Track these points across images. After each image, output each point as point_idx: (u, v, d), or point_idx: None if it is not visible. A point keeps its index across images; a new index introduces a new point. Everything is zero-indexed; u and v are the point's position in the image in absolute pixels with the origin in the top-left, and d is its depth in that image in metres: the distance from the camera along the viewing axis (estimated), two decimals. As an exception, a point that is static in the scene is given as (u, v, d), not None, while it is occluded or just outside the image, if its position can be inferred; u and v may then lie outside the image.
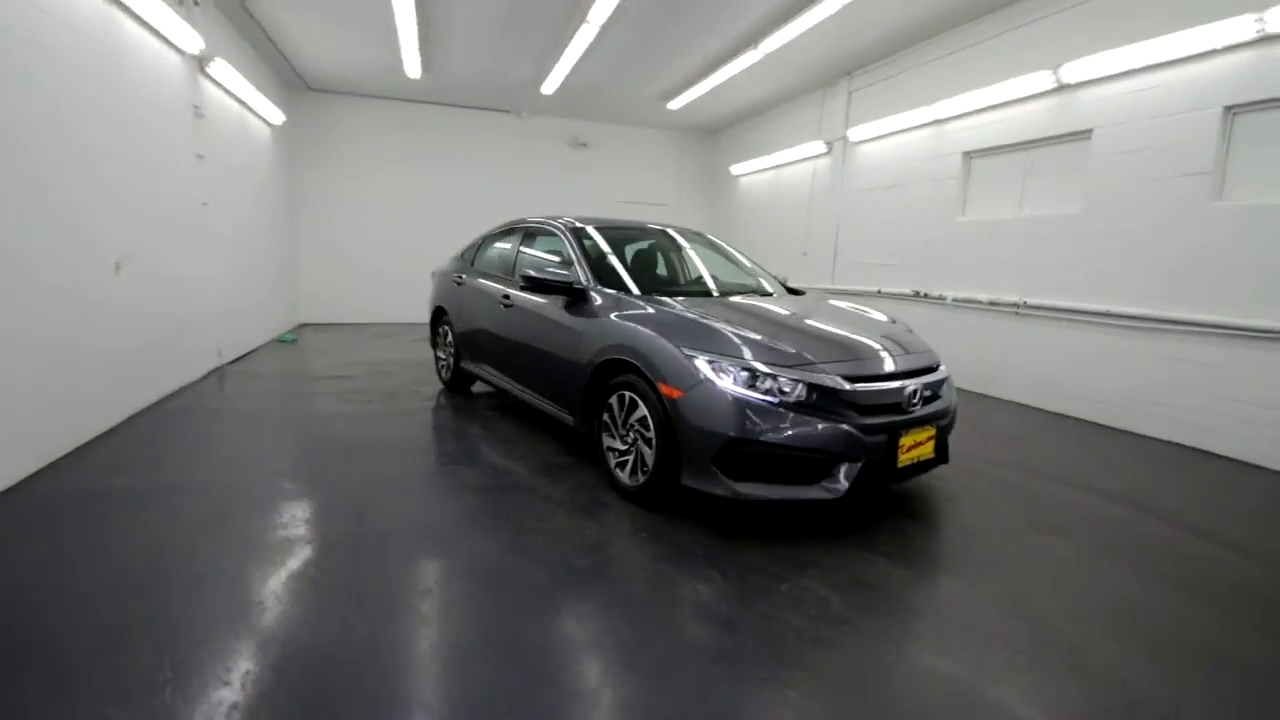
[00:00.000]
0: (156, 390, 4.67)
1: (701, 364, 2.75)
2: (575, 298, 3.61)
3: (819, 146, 8.25)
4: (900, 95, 6.86)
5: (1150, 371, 4.67)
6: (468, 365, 5.03)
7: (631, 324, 3.15)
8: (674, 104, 9.08)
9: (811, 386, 2.67)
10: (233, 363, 6.27)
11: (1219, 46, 4.14)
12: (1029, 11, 5.43)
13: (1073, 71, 5.01)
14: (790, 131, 8.98)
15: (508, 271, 4.51)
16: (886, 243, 7.22)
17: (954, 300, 6.25)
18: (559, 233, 4.13)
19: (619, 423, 3.16)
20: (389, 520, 2.81)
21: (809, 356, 2.77)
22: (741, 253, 4.79)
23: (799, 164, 8.88)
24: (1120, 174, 4.81)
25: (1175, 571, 2.63)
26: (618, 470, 3.20)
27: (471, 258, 5.23)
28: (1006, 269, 5.77)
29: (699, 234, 4.70)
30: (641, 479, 3.02)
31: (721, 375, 2.69)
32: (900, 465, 2.78)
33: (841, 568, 2.54)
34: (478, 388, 5.54)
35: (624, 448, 3.16)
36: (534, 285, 3.68)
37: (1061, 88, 5.17)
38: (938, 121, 6.43)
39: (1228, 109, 4.17)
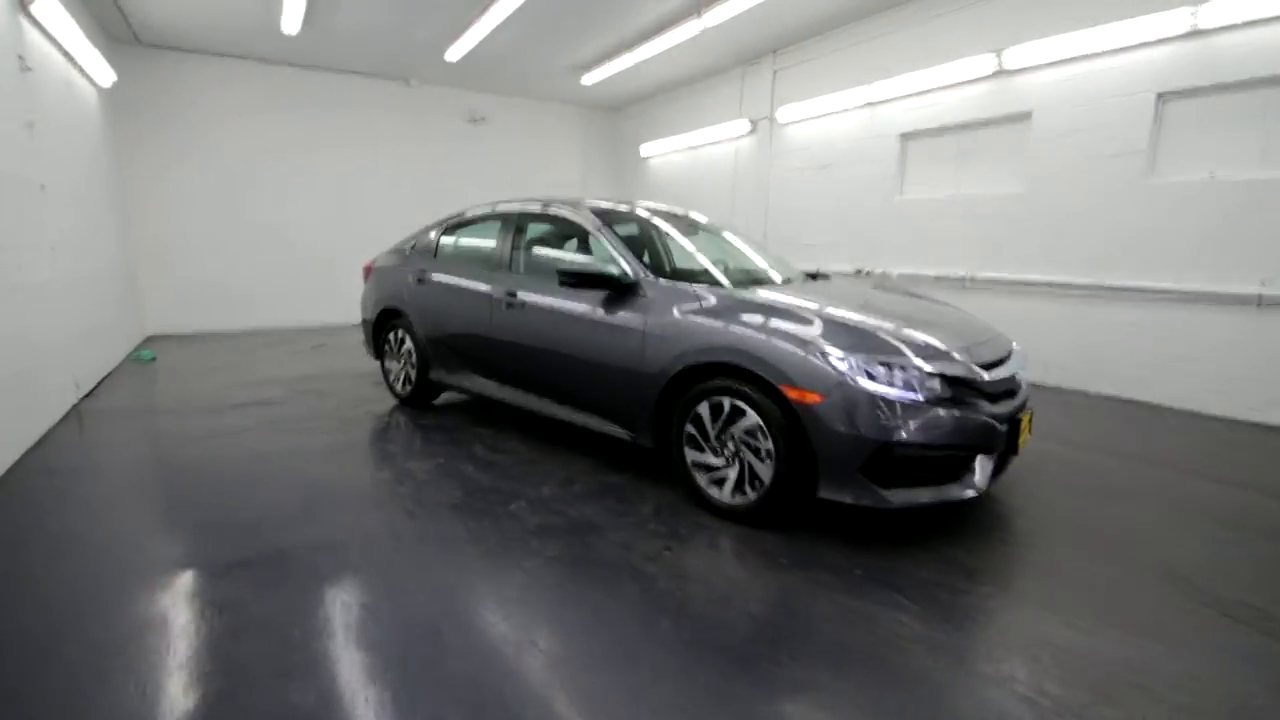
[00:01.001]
0: (16, 445, 3.43)
1: (838, 362, 2.47)
2: (620, 293, 3.14)
3: (742, 126, 8.21)
4: (833, 75, 6.97)
5: (1093, 334, 5.19)
6: (439, 376, 4.29)
7: (719, 322, 2.77)
8: (590, 78, 8.53)
9: (950, 378, 2.51)
10: (89, 395, 4.85)
11: (1154, 38, 4.59)
12: (967, -2, 5.70)
13: (1015, 57, 5.34)
14: (708, 110, 8.85)
15: (501, 266, 3.85)
16: (823, 222, 7.38)
17: (898, 276, 6.54)
18: (576, 219, 3.59)
19: (711, 435, 2.79)
20: (463, 614, 2.23)
21: (940, 345, 2.61)
22: (739, 236, 4.54)
23: (720, 144, 8.79)
24: (1060, 154, 5.24)
25: (1236, 518, 2.87)
26: (711, 488, 2.84)
27: (432, 249, 4.45)
28: (950, 245, 6.12)
29: (685, 215, 4.34)
30: (753, 496, 2.69)
31: (863, 373, 2.44)
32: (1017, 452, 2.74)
33: (994, 564, 2.44)
34: (443, 398, 4.79)
35: (720, 463, 2.80)
36: (576, 281, 3.14)
37: (1002, 72, 5.51)
38: (872, 103, 6.63)
39: (1160, 95, 4.66)
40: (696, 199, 9.21)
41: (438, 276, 4.23)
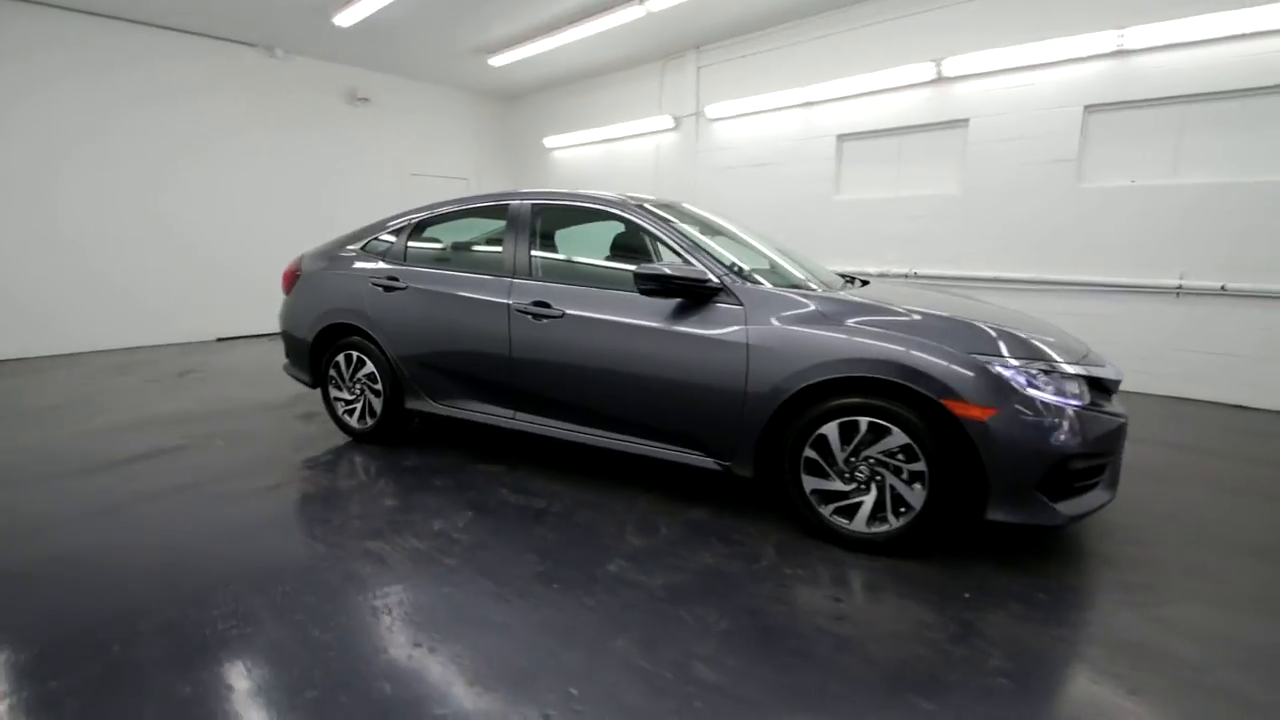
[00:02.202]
0: None
1: (1003, 370, 2.26)
2: (700, 300, 2.69)
3: (664, 121, 7.94)
4: (767, 75, 6.94)
5: (1029, 325, 5.66)
6: (421, 405, 3.48)
7: (841, 331, 2.44)
8: (498, 60, 7.73)
9: (1093, 382, 2.42)
10: None
11: (1084, 55, 5.06)
12: (908, 4, 5.91)
13: (954, 66, 5.64)
14: (624, 103, 8.47)
15: (513, 269, 3.16)
16: (759, 222, 7.33)
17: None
18: (620, 211, 3.06)
19: (839, 459, 2.46)
20: None
21: (1079, 349, 2.51)
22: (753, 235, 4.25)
23: (637, 139, 8.46)
24: (997, 159, 5.63)
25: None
26: (838, 518, 2.51)
27: (399, 251, 3.59)
28: (890, 244, 6.36)
29: (693, 210, 3.94)
30: (896, 524, 2.40)
31: (1030, 381, 2.26)
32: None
33: (1158, 569, 2.40)
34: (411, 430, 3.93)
35: (848, 489, 2.48)
36: (662, 288, 2.63)
37: (941, 79, 5.80)
38: (810, 104, 6.70)
39: (1087, 107, 5.16)
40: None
41: (418, 284, 3.41)
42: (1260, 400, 4.63)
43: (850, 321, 2.47)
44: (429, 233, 3.65)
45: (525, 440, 3.68)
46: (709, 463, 2.76)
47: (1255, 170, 4.56)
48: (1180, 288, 4.87)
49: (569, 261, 3.29)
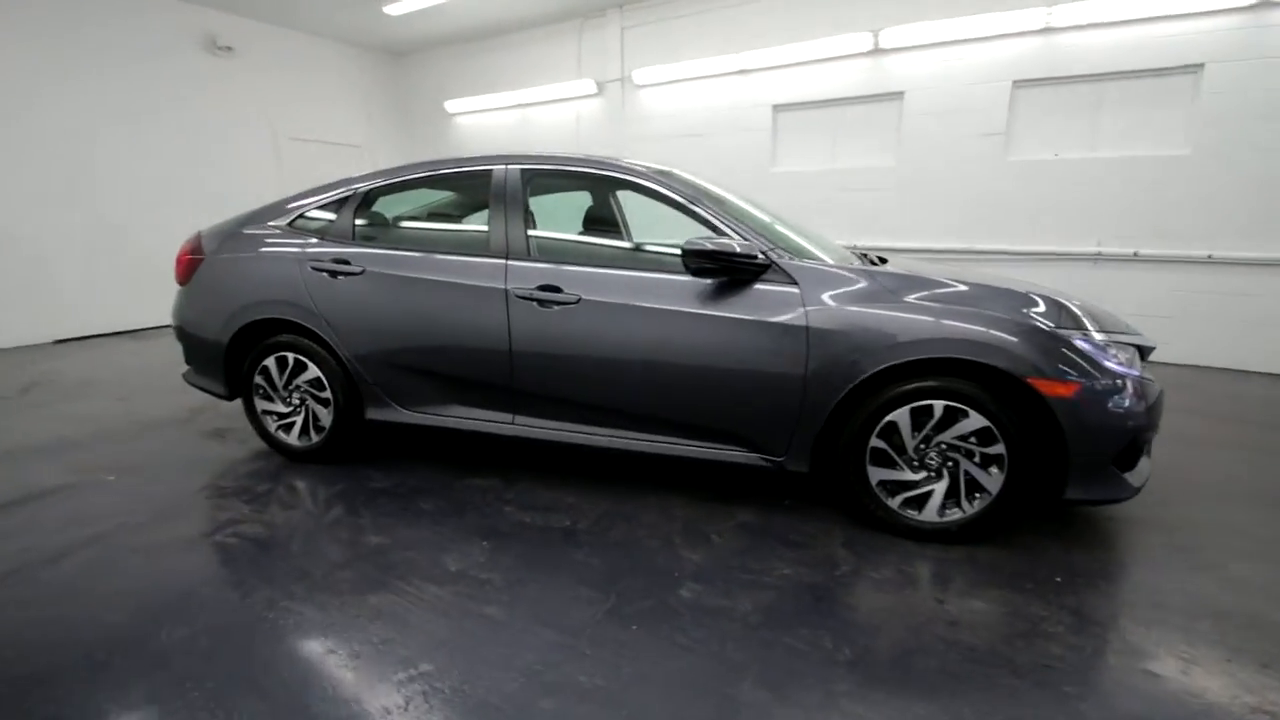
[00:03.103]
0: None
1: (1082, 344, 2.17)
2: (745, 279, 2.39)
3: (585, 86, 7.43)
4: (700, 40, 6.64)
5: (961, 293, 5.92)
6: (387, 414, 2.89)
7: (905, 309, 2.25)
8: (395, 7, 6.78)
9: (1140, 352, 2.42)
10: None
11: (1013, 31, 5.25)
12: (844, -27, 5.84)
13: (890, 37, 5.66)
14: (539, 66, 7.81)
15: (504, 247, 2.64)
16: (692, 193, 7.10)
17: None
18: (635, 178, 2.65)
19: (909, 447, 2.29)
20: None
21: (1124, 322, 2.49)
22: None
23: (556, 105, 7.86)
24: (931, 132, 5.76)
25: None
26: (908, 510, 2.35)
27: (345, 228, 2.93)
28: (826, 215, 6.37)
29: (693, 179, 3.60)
30: (971, 511, 2.28)
31: (1109, 355, 2.19)
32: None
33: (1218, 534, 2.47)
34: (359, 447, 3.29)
35: (918, 478, 2.32)
36: (711, 266, 2.28)
37: (878, 51, 5.81)
38: (745, 71, 6.50)
39: (1016, 83, 5.38)
40: (528, 167, 8.13)
41: (379, 268, 2.79)
42: (1172, 356, 5.12)
43: (910, 298, 2.29)
44: (381, 205, 3.01)
45: (511, 446, 3.20)
46: (754, 459, 2.49)
47: (1162, 145, 4.98)
48: (1099, 254, 5.27)
49: (574, 237, 2.84)
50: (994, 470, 2.25)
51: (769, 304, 2.35)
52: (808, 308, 2.31)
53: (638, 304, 2.47)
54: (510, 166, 2.78)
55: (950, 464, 2.30)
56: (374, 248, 2.86)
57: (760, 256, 2.36)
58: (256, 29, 7.31)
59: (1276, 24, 4.42)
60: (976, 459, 2.26)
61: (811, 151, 6.46)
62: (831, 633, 1.85)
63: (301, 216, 3.05)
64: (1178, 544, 2.37)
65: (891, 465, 2.34)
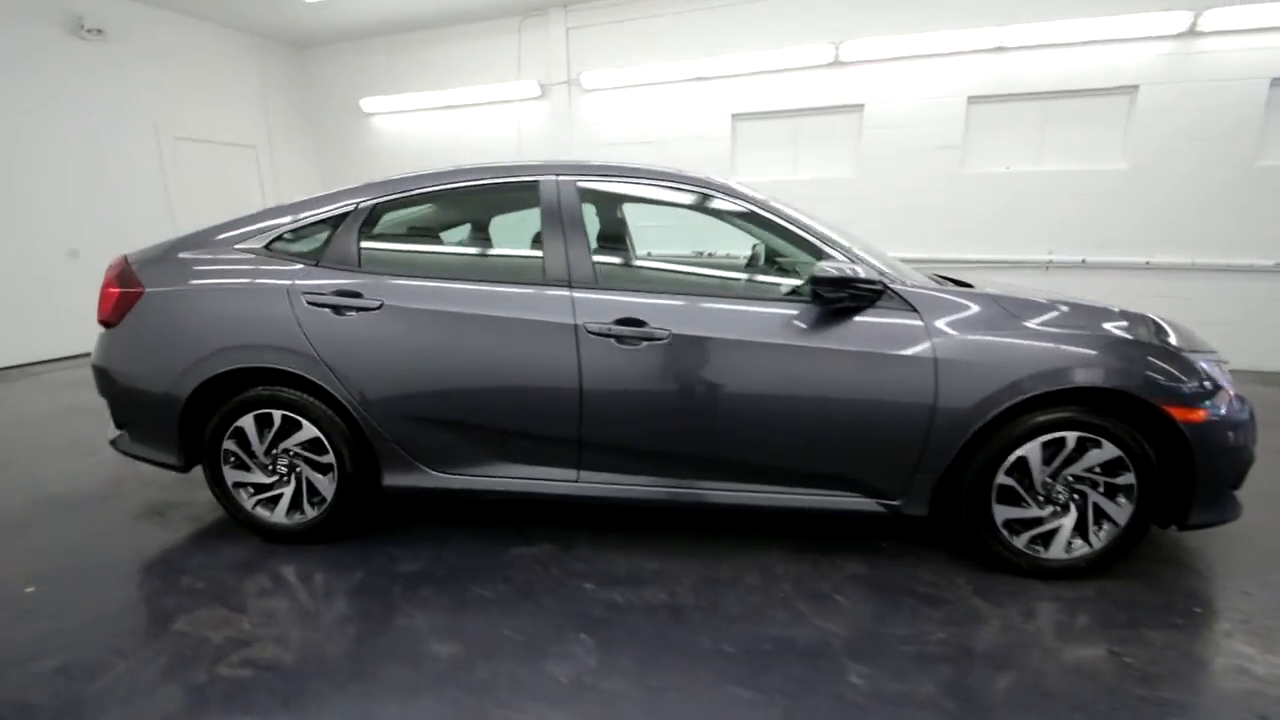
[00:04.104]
0: None
1: (1208, 367, 2.12)
2: (857, 307, 2.14)
3: (527, 88, 6.94)
4: (653, 43, 6.38)
5: (922, 301, 6.08)
6: (413, 479, 2.36)
7: (1030, 336, 2.10)
8: (312, -7, 5.96)
9: None
10: None
11: (967, 49, 5.44)
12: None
13: (851, 50, 5.71)
14: (472, 65, 7.21)
15: (582, 278, 2.21)
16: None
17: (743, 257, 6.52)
18: (705, 189, 2.35)
19: (1037, 482, 2.15)
20: None
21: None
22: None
23: (493, 108, 7.28)
24: (889, 144, 5.87)
25: None
26: (1034, 547, 2.20)
27: (349, 253, 2.34)
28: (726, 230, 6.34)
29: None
30: (1097, 545, 2.17)
31: (1223, 376, 2.16)
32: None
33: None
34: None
35: (1044, 513, 2.18)
36: (851, 295, 2.02)
37: (838, 63, 5.83)
38: (702, 79, 6.32)
39: (970, 98, 5.59)
40: (461, 173, 7.48)
41: (403, 302, 2.25)
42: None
43: (1031, 323, 2.15)
44: (392, 222, 2.46)
45: (537, 503, 2.73)
46: (868, 505, 2.25)
47: (1102, 160, 5.36)
48: (1050, 262, 5.59)
49: (652, 264, 2.48)
50: (1121, 501, 2.16)
51: (891, 334, 2.12)
52: (934, 338, 2.11)
53: (741, 339, 2.15)
54: (562, 178, 2.35)
55: (1077, 497, 2.18)
56: (392, 276, 2.32)
57: (878, 280, 2.13)
58: (133, 10, 6.14)
59: (1202, 51, 4.88)
60: (1102, 489, 2.16)
61: (772, 161, 6.41)
62: (1038, 712, 1.63)
63: (281, 239, 2.43)
64: (1267, 553, 2.40)
65: (1018, 502, 2.19)
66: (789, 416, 2.15)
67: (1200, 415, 2.06)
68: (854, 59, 5.76)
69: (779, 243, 2.50)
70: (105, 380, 2.48)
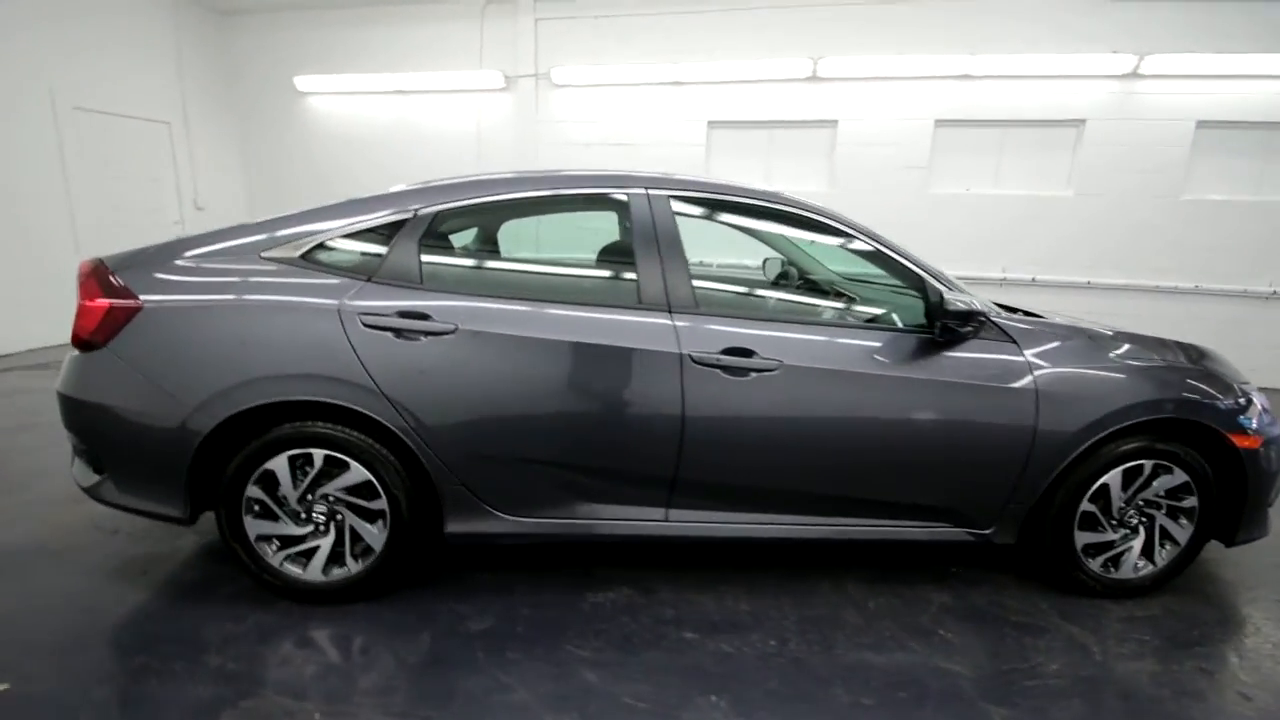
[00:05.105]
0: None
1: (1256, 396, 2.28)
2: (957, 339, 2.13)
3: (490, 79, 6.55)
4: (629, 43, 6.19)
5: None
6: (483, 524, 2.09)
7: (1108, 366, 2.18)
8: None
9: None
10: None
11: (937, 74, 5.69)
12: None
13: (828, 67, 5.81)
14: (427, 49, 6.70)
15: (681, 303, 2.05)
16: (618, 206, 6.65)
17: (718, 266, 6.49)
18: (798, 210, 2.24)
19: (1115, 506, 2.23)
20: None
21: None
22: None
23: (450, 96, 6.81)
24: (861, 161, 6.04)
25: None
26: (1106, 570, 2.29)
27: (408, 267, 2.03)
28: (740, 240, 6.39)
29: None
30: (1160, 565, 2.30)
31: (1265, 404, 2.33)
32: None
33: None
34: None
35: (1116, 537, 2.27)
36: (963, 326, 1.99)
37: (815, 78, 5.92)
38: (680, 83, 6.22)
39: (937, 121, 5.85)
40: (410, 163, 6.95)
41: (476, 324, 1.97)
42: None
43: (1113, 354, 2.24)
44: (456, 233, 2.17)
45: (597, 546, 2.52)
46: (959, 534, 2.25)
47: (1052, 186, 5.79)
48: (1004, 279, 5.98)
49: (752, 290, 2.38)
50: (1184, 522, 2.29)
51: (995, 366, 2.12)
52: (1034, 370, 2.13)
53: (855, 371, 2.07)
54: (654, 192, 2.17)
55: (1146, 520, 2.29)
56: (463, 297, 2.04)
57: (976, 310, 2.12)
58: (16, -49, 5.18)
59: (1142, 91, 5.38)
60: (1165, 512, 2.29)
61: (745, 171, 6.41)
62: (1181, 744, 1.68)
63: (321, 247, 2.08)
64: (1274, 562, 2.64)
65: (1096, 527, 2.26)
66: (900, 449, 2.11)
67: (1255, 442, 2.22)
68: (831, 75, 5.87)
69: (867, 268, 2.44)
70: (83, 414, 2.02)
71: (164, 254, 2.09)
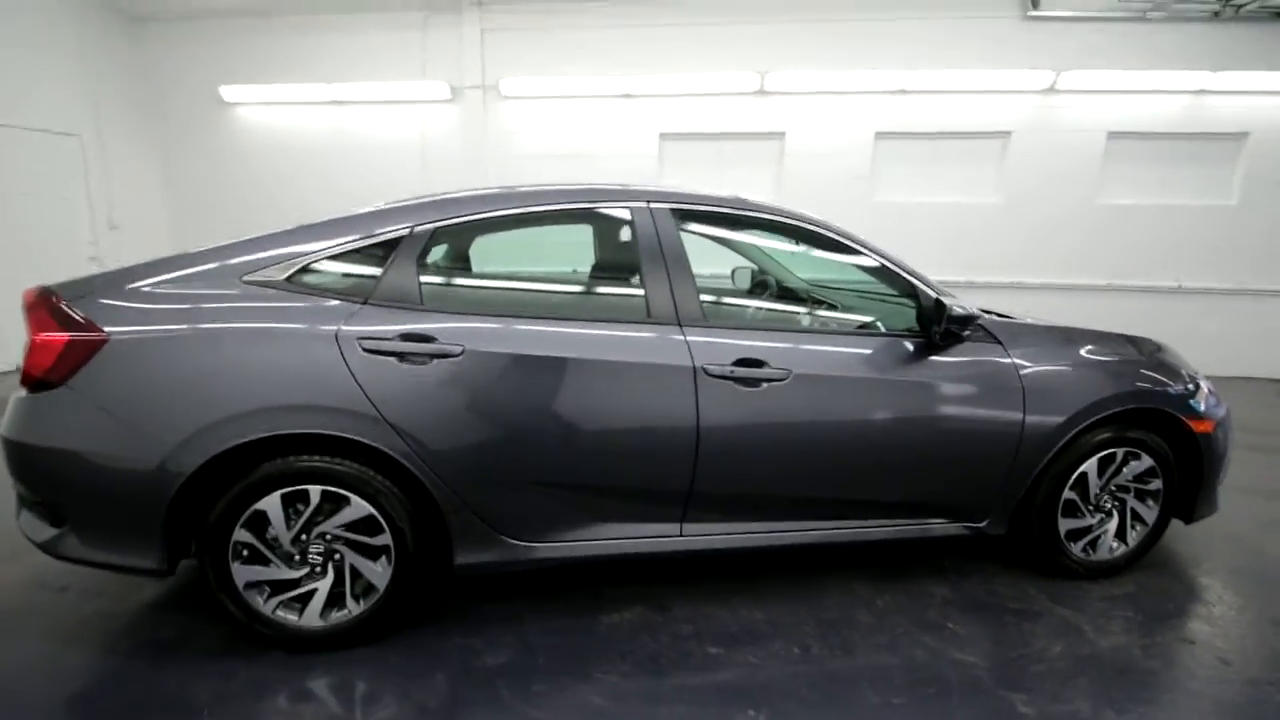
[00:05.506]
0: None
1: (1203, 383, 2.49)
2: (951, 341, 2.23)
3: (435, 89, 6.39)
4: (579, 54, 6.19)
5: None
6: (491, 554, 2.00)
7: (1089, 367, 2.34)
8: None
9: None
10: None
11: (877, 89, 5.98)
12: (734, 11, 5.96)
13: (775, 80, 6.00)
14: (366, 57, 6.46)
15: (689, 315, 2.05)
16: (572, 218, 6.59)
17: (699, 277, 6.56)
18: (797, 222, 2.32)
19: (1092, 493, 2.38)
20: None
21: None
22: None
23: (392, 108, 6.59)
24: (807, 172, 6.26)
25: None
26: (1084, 553, 2.43)
27: (407, 288, 1.93)
28: (711, 247, 6.49)
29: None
30: (1132, 545, 2.47)
31: (1214, 392, 2.54)
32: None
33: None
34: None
35: (1093, 521, 2.43)
36: (967, 331, 2.12)
37: (763, 92, 6.09)
38: (630, 96, 6.25)
39: (878, 134, 6.13)
40: (351, 175, 6.67)
41: (484, 345, 1.90)
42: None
43: (1082, 351, 2.40)
44: (455, 251, 2.09)
45: (603, 565, 2.47)
46: (954, 529, 2.35)
47: (981, 194, 6.18)
48: (940, 282, 6.30)
49: (754, 301, 2.48)
50: (1150, 504, 2.47)
51: (986, 367, 2.24)
52: (1019, 368, 2.25)
53: (853, 376, 2.13)
54: (656, 205, 2.17)
55: (1118, 504, 2.46)
56: (467, 317, 1.96)
57: (965, 311, 2.23)
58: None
59: (1059, 106, 5.84)
60: (1133, 494, 2.46)
61: (697, 182, 6.50)
62: (1172, 709, 1.80)
63: (308, 269, 1.95)
64: (1219, 533, 2.89)
65: (1076, 514, 2.41)
66: (907, 450, 2.18)
67: (1209, 426, 2.43)
68: (778, 89, 6.07)
69: (839, 274, 2.53)
70: (38, 462, 1.81)
71: (122, 280, 1.90)
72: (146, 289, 1.88)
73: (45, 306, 1.83)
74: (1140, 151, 5.87)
